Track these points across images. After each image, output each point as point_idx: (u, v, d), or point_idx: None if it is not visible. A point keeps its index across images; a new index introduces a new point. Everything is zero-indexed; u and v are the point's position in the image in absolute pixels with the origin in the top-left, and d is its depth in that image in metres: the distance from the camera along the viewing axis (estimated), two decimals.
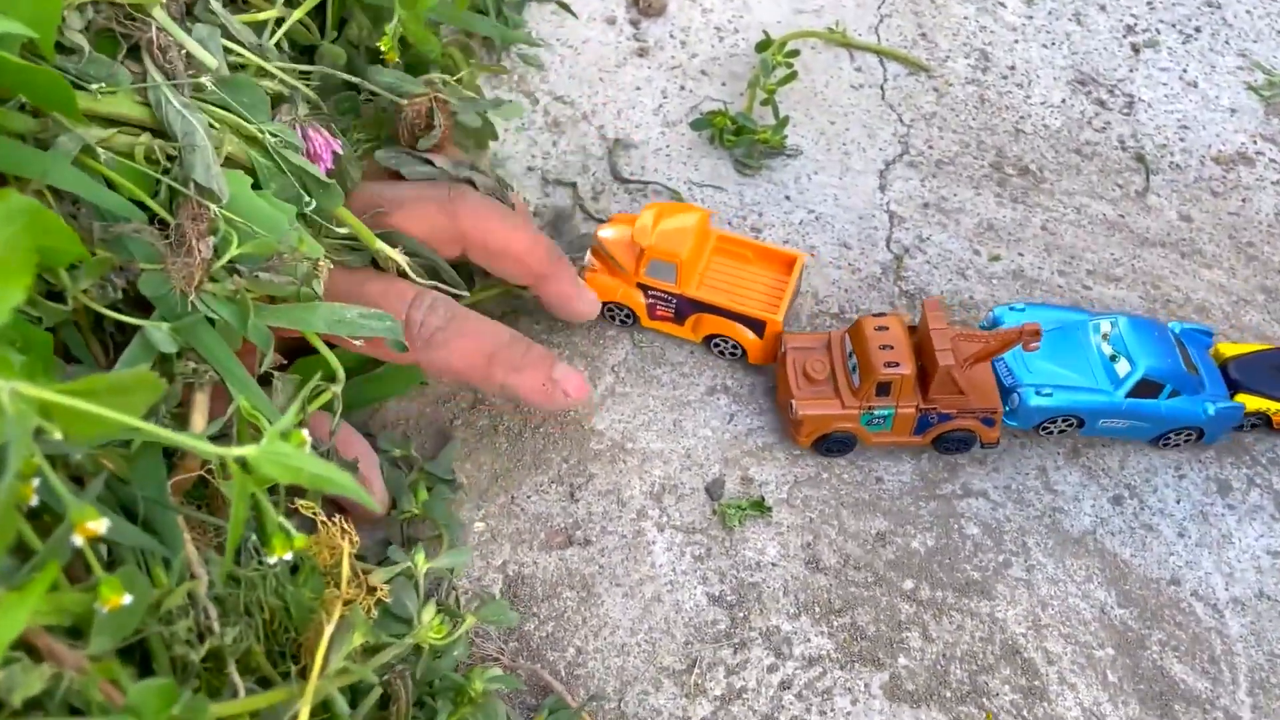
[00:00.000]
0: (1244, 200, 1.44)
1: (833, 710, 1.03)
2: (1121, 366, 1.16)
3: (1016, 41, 1.59)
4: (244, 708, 0.64)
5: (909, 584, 1.11)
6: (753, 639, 1.07)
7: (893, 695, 1.04)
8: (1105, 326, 1.19)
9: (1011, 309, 1.22)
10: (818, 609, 1.09)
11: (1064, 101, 1.53)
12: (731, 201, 1.40)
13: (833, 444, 1.18)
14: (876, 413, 1.14)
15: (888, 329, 1.14)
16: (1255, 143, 1.50)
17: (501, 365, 1.05)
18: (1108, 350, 1.18)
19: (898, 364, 1.12)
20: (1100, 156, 1.47)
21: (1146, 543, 1.15)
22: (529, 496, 1.15)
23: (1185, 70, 1.58)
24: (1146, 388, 1.15)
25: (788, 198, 1.41)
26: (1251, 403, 1.19)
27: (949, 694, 1.04)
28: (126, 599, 0.51)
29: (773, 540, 1.14)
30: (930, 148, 1.46)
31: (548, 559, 1.11)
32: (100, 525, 0.48)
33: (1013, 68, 1.56)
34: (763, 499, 1.16)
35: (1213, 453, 1.22)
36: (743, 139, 1.42)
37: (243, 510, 0.53)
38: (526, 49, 1.50)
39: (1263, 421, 1.21)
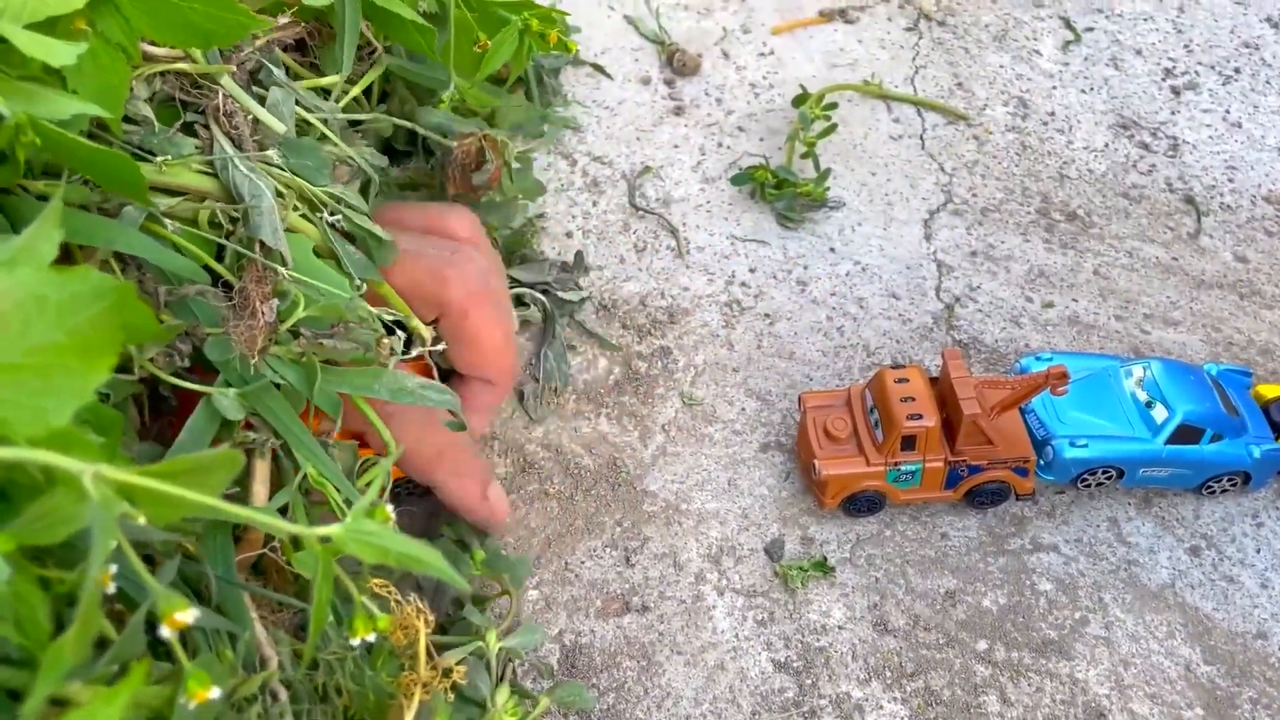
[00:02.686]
0: None
1: None
2: (1158, 412, 1.12)
3: (1054, 88, 1.58)
4: None
5: (983, 645, 1.07)
6: (822, 707, 1.03)
7: None
8: (1138, 372, 1.15)
9: (1038, 358, 1.19)
10: (889, 673, 1.05)
11: (1107, 146, 1.51)
12: (775, 255, 1.38)
13: (860, 504, 1.14)
14: (903, 468, 1.11)
15: (908, 380, 1.11)
16: None
17: (448, 464, 1.02)
18: (1142, 396, 1.14)
19: (921, 416, 1.08)
20: (1148, 199, 1.45)
21: (1229, 595, 1.11)
22: (583, 562, 1.12)
23: (1228, 111, 1.56)
24: (1186, 433, 1.11)
25: (833, 250, 1.39)
26: None
27: None
28: (215, 693, 0.49)
29: (838, 602, 1.10)
30: (974, 195, 1.45)
31: (605, 627, 1.08)
32: (189, 615, 0.46)
33: (1052, 114, 1.55)
34: (825, 559, 1.13)
35: None
36: (784, 192, 1.41)
37: (326, 592, 0.50)
38: (563, 110, 1.50)
39: None
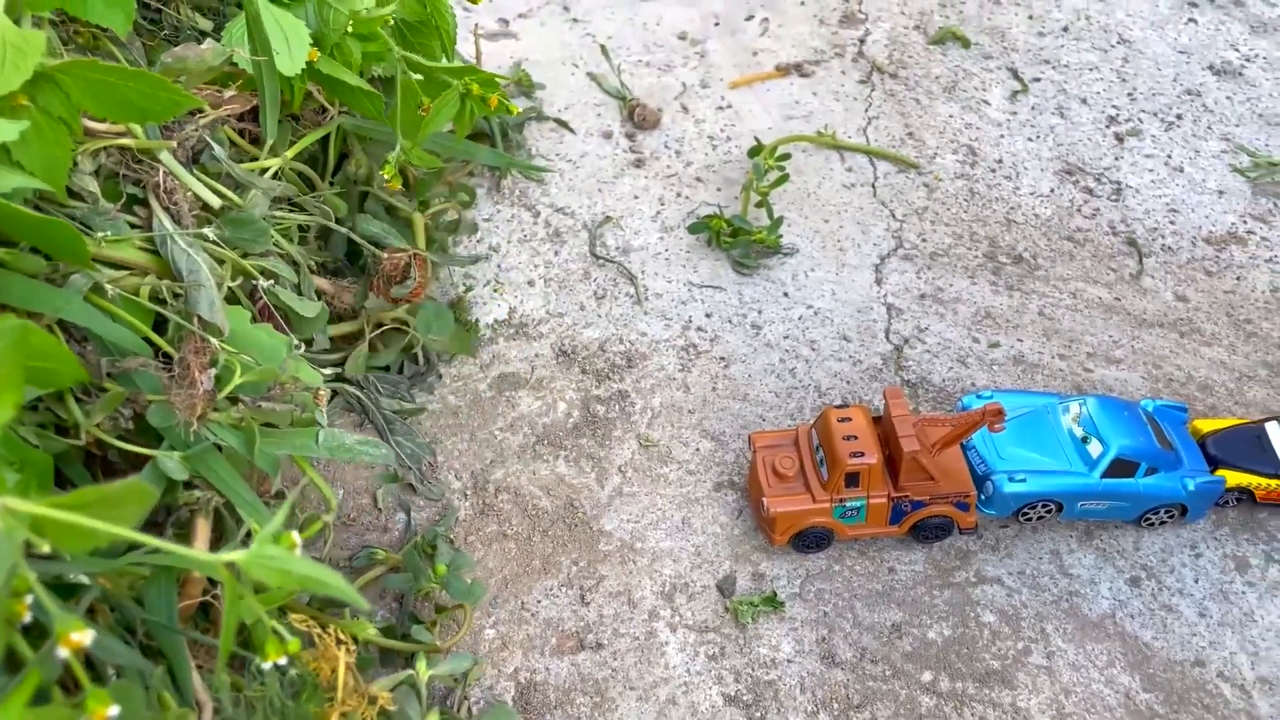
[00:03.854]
0: (1238, 278, 1.45)
1: None
2: (1094, 447, 1.16)
3: (1002, 136, 1.64)
4: None
5: (928, 676, 1.10)
6: None
7: None
8: (1075, 408, 1.19)
9: (979, 396, 1.23)
10: (836, 705, 1.08)
11: (1053, 191, 1.56)
12: (731, 300, 1.43)
13: (809, 540, 1.17)
14: (848, 504, 1.14)
15: (851, 419, 1.14)
16: (1245, 222, 1.52)
17: None
18: (1079, 432, 1.17)
19: (863, 454, 1.12)
20: (1092, 242, 1.50)
21: (1167, 624, 1.13)
22: (539, 601, 1.15)
23: (1170, 156, 1.61)
24: (1121, 467, 1.15)
25: (786, 294, 1.44)
26: (1232, 477, 1.18)
27: None
28: (113, 710, 0.52)
29: (787, 636, 1.13)
30: (924, 241, 1.50)
31: (560, 664, 1.11)
32: (85, 636, 0.49)
33: (1000, 161, 1.60)
34: (775, 594, 1.16)
35: (1228, 529, 1.21)
36: (739, 240, 1.46)
37: (234, 615, 0.54)
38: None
39: (1246, 496, 1.19)
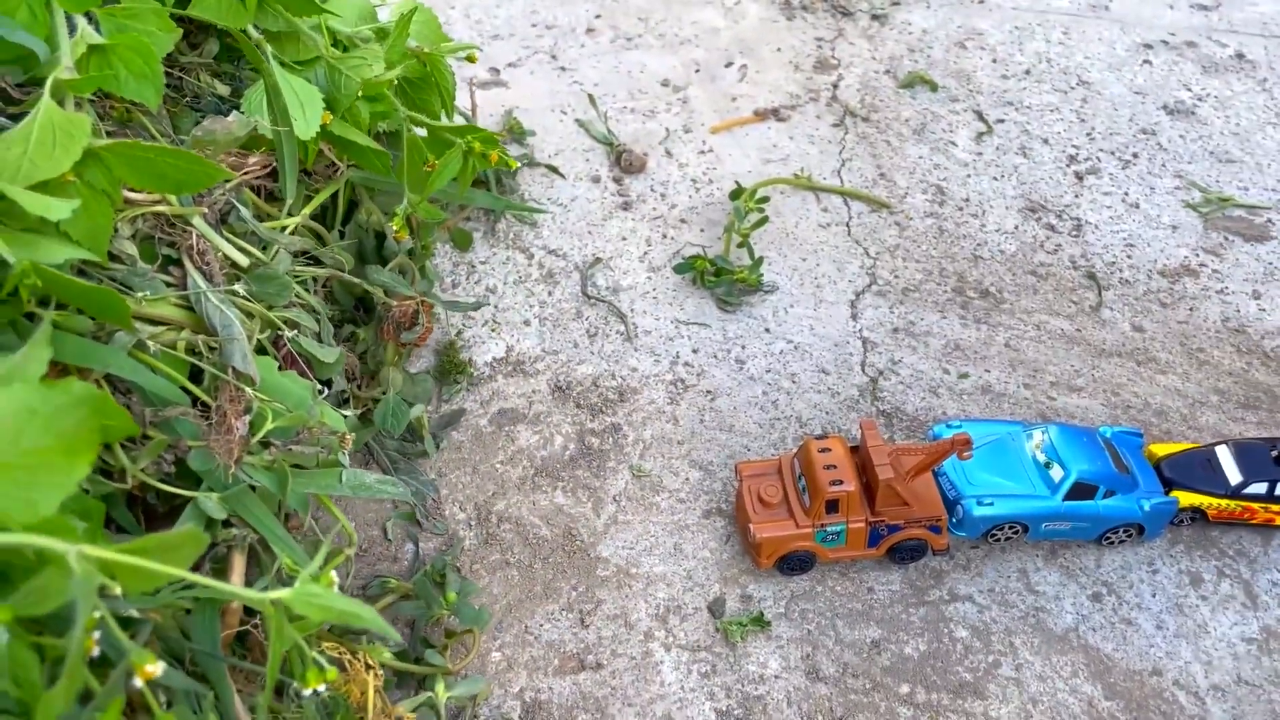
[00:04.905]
0: (1191, 309, 1.55)
1: None
2: (1055, 472, 1.24)
3: (969, 176, 1.73)
4: None
5: (905, 688, 1.17)
6: None
7: None
8: (1038, 436, 1.28)
9: (949, 425, 1.32)
10: (821, 718, 1.15)
11: (1017, 228, 1.66)
12: (716, 336, 1.51)
13: (793, 563, 1.25)
14: (829, 529, 1.22)
15: (830, 450, 1.23)
16: (1197, 255, 1.62)
17: None
18: (1041, 458, 1.26)
19: (842, 481, 1.20)
20: (1054, 276, 1.59)
21: (1127, 636, 1.21)
22: (541, 625, 1.22)
23: (1127, 193, 1.71)
24: (1081, 490, 1.23)
25: (767, 330, 1.52)
26: (1185, 498, 1.27)
27: None
28: None
29: (774, 653, 1.20)
30: (896, 277, 1.58)
31: (562, 684, 1.18)
32: (158, 668, 0.56)
33: (967, 200, 1.70)
34: (762, 614, 1.23)
35: (1183, 546, 1.29)
36: (722, 279, 1.55)
37: (279, 647, 0.61)
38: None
39: (1199, 515, 1.28)
